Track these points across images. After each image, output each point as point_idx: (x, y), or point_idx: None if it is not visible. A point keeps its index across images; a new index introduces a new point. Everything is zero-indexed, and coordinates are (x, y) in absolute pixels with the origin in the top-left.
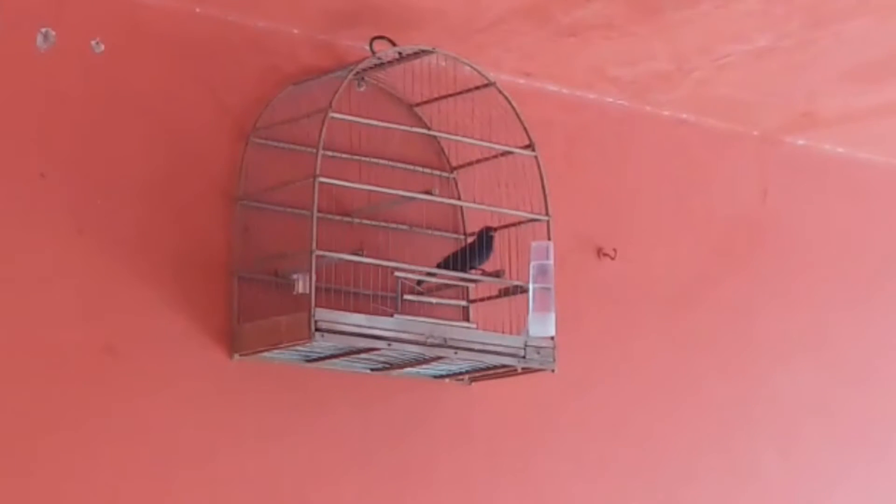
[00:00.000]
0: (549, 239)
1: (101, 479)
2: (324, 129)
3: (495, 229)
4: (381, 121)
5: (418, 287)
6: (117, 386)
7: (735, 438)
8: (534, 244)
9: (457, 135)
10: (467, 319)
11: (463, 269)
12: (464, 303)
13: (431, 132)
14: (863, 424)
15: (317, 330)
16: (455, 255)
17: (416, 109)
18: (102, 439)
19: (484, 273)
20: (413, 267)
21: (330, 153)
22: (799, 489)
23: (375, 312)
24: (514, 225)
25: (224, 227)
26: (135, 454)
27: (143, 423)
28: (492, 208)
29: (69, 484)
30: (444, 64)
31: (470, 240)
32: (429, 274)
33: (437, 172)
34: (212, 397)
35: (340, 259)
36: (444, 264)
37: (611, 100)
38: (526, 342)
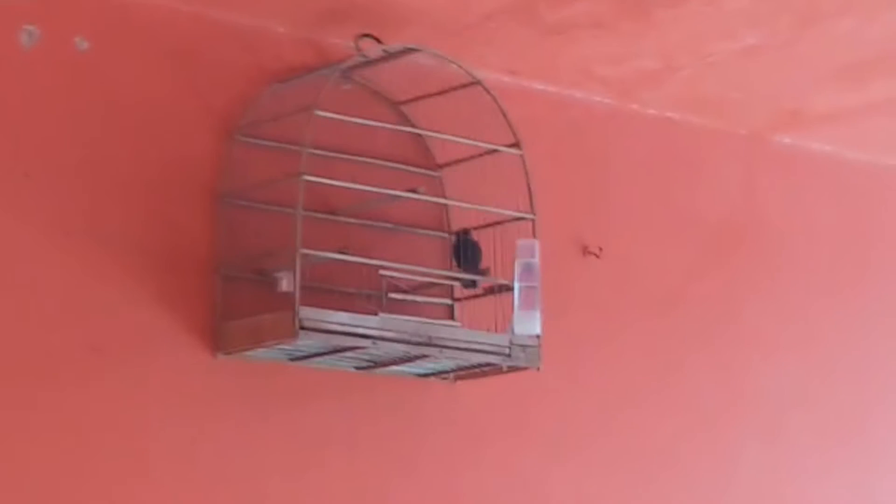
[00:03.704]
0: (534, 237)
1: (85, 477)
2: (309, 128)
3: (467, 231)
4: (367, 119)
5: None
6: (102, 385)
7: (721, 435)
8: (519, 242)
9: (442, 133)
10: (452, 318)
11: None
12: (448, 301)
13: (417, 130)
14: (847, 422)
15: (301, 328)
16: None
17: (402, 108)
18: (87, 438)
19: (469, 271)
20: (398, 265)
21: (315, 151)
22: (784, 484)
23: (360, 311)
24: (499, 223)
25: (208, 226)
26: (119, 453)
27: (127, 421)
28: (477, 207)
29: (54, 482)
30: (429, 62)
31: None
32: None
33: (423, 171)
34: (196, 396)
35: (325, 258)
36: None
37: (597, 98)
38: (511, 341)
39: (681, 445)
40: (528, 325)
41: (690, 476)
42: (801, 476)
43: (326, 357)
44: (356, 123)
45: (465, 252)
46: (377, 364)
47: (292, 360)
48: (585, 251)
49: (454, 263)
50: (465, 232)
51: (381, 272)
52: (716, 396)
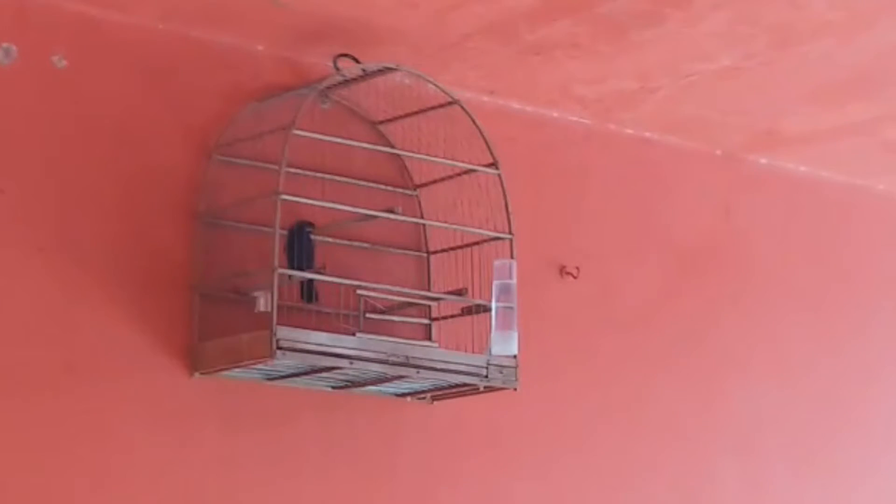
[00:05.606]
0: (511, 257)
1: (58, 496)
2: (287, 147)
3: (305, 224)
4: (345, 138)
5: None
6: (75, 404)
7: (696, 452)
8: (496, 263)
9: (420, 153)
10: (429, 338)
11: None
12: (426, 321)
13: (395, 150)
14: (820, 438)
15: (278, 348)
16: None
17: (380, 127)
18: (60, 457)
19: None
20: (375, 285)
21: (293, 170)
22: (757, 499)
23: (337, 331)
24: (476, 244)
25: (185, 245)
26: (94, 473)
27: (101, 441)
28: (455, 226)
29: (26, 502)
30: (408, 81)
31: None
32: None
33: (401, 190)
34: (171, 416)
35: (302, 277)
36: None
37: (575, 118)
38: (488, 361)
39: (656, 463)
40: (505, 345)
41: (665, 493)
42: (774, 492)
43: (303, 377)
44: (334, 143)
45: (299, 247)
46: (354, 384)
47: (269, 379)
48: (562, 271)
49: (286, 259)
50: (304, 225)
51: (359, 292)
52: (691, 414)
